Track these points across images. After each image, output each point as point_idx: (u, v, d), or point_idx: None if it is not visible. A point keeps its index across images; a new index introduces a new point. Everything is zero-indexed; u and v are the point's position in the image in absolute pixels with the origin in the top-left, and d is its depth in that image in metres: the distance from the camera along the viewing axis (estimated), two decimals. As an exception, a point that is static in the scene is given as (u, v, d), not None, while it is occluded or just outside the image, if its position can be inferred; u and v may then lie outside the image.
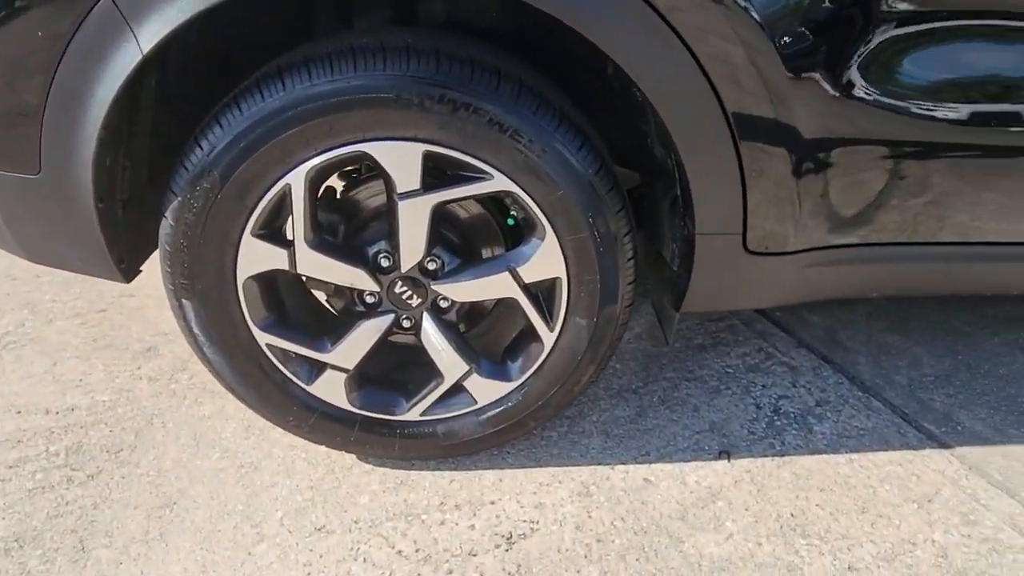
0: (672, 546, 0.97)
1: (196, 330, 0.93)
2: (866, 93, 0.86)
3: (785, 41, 0.79)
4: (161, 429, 1.15)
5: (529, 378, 1.01)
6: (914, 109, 0.89)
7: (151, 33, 0.71)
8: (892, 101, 0.88)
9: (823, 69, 0.83)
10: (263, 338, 0.95)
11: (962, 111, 0.90)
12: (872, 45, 0.84)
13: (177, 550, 0.95)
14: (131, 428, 1.15)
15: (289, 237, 0.87)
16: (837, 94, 0.85)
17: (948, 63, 0.89)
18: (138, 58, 0.73)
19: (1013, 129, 0.92)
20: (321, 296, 1.09)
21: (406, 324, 0.98)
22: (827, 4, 0.80)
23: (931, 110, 0.89)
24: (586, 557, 0.95)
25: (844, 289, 1.10)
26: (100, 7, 0.70)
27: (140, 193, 0.94)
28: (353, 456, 1.10)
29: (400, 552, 0.95)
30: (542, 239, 0.89)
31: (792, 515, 1.02)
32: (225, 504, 1.02)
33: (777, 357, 1.36)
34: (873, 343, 1.41)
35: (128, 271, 0.95)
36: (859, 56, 0.84)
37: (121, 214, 0.91)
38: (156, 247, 0.97)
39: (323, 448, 1.10)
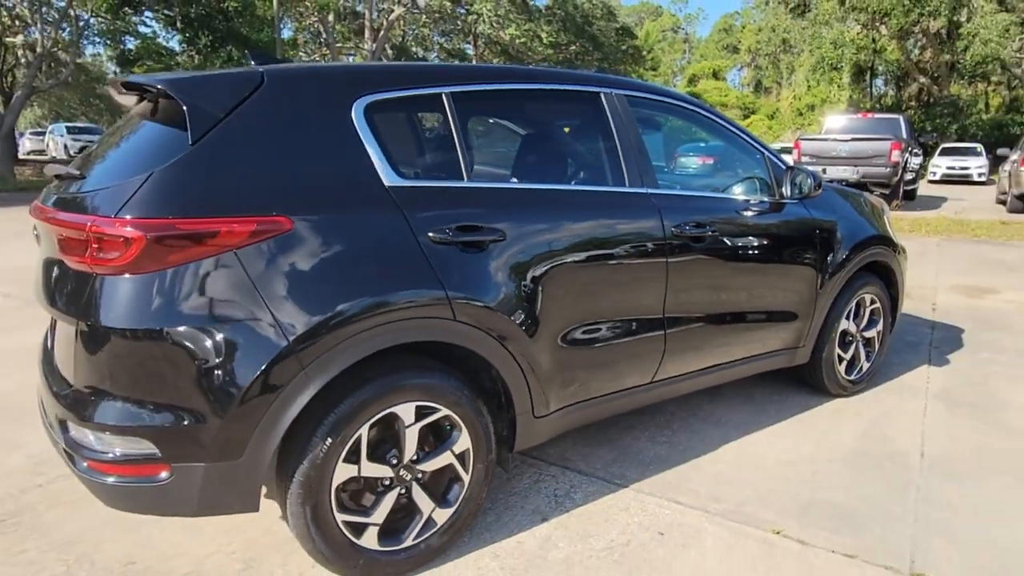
0: (552, 552, 2.10)
1: (309, 521, 1.80)
2: (559, 338, 2.26)
3: (524, 321, 2.14)
4: (248, 614, 1.85)
5: (460, 503, 2.08)
6: (596, 343, 2.32)
7: (319, 382, 1.73)
8: (573, 347, 2.30)
9: (547, 336, 2.20)
10: (340, 517, 1.85)
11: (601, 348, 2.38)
12: (555, 326, 2.26)
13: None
14: (228, 620, 1.82)
15: (355, 459, 1.86)
16: (550, 343, 2.23)
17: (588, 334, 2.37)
18: (313, 392, 1.72)
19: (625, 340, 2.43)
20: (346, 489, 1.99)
21: (403, 490, 1.98)
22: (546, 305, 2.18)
23: (593, 344, 2.34)
24: None
25: (571, 425, 2.46)
26: (298, 378, 1.70)
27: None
28: (374, 582, 1.98)
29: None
30: (461, 431, 2.04)
31: (578, 535, 2.26)
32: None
33: (544, 472, 2.65)
34: (578, 452, 2.81)
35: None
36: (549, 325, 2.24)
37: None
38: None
39: (357, 583, 1.95)
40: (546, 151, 2.50)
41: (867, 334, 3.52)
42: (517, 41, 24.48)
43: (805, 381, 3.51)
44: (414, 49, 36.24)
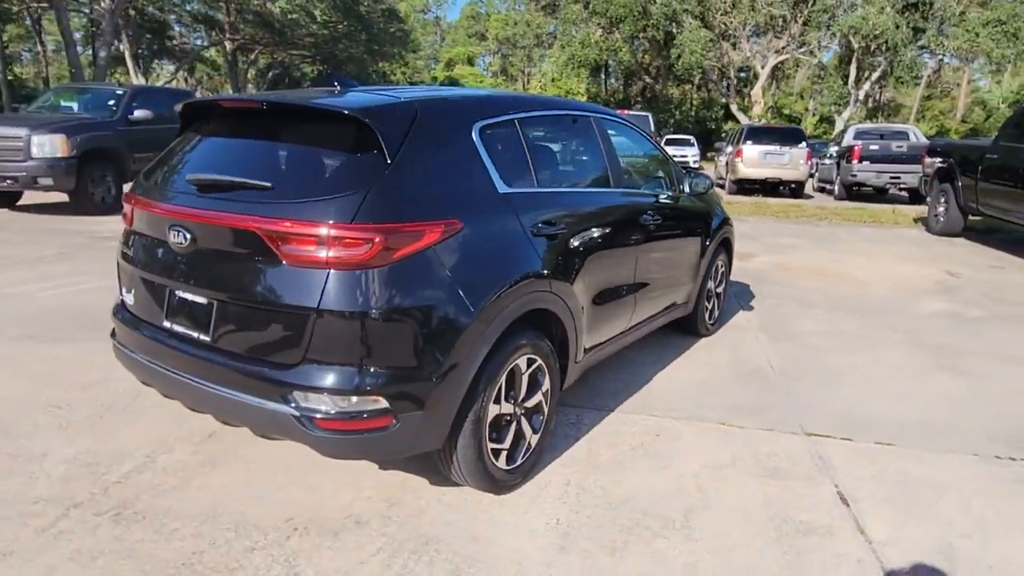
0: (605, 476, 2.91)
1: (478, 450, 2.36)
2: (591, 300, 3.04)
3: (577, 288, 2.88)
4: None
5: (542, 426, 2.78)
6: (606, 302, 3.13)
7: (491, 343, 2.29)
8: (596, 305, 3.09)
9: (586, 299, 2.96)
10: (490, 446, 2.44)
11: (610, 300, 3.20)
12: (585, 284, 3.03)
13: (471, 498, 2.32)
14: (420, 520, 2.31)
15: (498, 400, 2.45)
16: (587, 304, 3.00)
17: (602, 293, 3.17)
18: (488, 350, 2.28)
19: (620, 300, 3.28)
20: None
21: (516, 423, 2.62)
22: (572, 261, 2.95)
23: (606, 301, 3.15)
24: (583, 489, 2.80)
25: (587, 367, 3.26)
26: (481, 340, 2.24)
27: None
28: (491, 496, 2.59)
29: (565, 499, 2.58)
30: (546, 376, 2.73)
31: (607, 445, 3.10)
32: (480, 500, 2.40)
33: (565, 413, 3.42)
34: (582, 394, 3.63)
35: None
36: (584, 284, 3.02)
37: (444, 417, 2.29)
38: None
39: (490, 496, 2.56)
40: (571, 161, 3.24)
41: (718, 290, 4.87)
42: (288, 16, 23.33)
43: (681, 328, 4.73)
44: (150, 9, 32.14)
